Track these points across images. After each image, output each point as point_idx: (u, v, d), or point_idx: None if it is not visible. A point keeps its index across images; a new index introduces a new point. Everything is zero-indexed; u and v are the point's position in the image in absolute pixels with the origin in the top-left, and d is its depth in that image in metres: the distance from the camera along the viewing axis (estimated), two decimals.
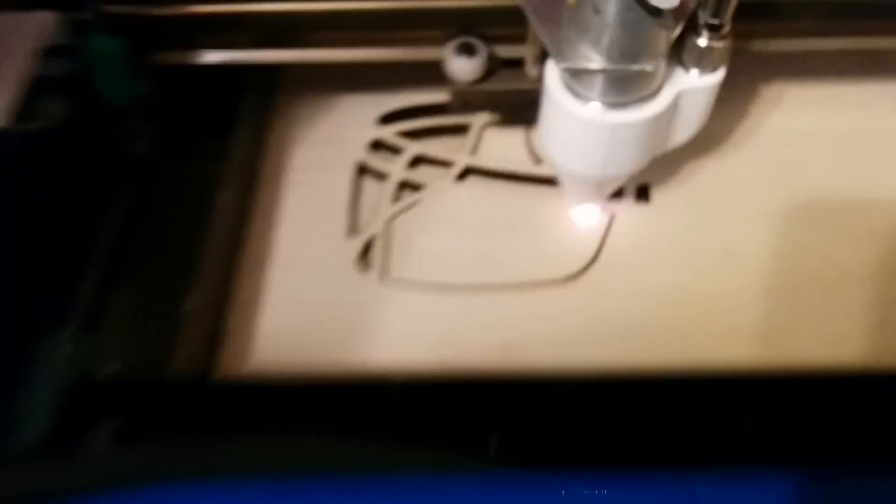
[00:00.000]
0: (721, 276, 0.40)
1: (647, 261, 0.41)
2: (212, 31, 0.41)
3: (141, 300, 0.35)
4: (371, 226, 0.43)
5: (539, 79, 0.34)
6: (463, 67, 0.39)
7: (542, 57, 0.33)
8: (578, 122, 0.33)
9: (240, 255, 0.42)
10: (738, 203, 0.42)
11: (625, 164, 0.36)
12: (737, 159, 0.44)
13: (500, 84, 0.40)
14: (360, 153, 0.43)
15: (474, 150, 0.45)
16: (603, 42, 0.29)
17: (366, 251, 0.42)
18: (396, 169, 0.44)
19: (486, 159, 0.43)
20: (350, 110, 0.46)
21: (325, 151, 0.45)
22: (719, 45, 0.31)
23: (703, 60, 0.32)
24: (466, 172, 0.43)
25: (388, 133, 0.44)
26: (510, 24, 0.35)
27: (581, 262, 0.41)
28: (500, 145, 0.44)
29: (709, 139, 0.43)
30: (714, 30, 0.31)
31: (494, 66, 0.39)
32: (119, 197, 0.39)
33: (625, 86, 0.31)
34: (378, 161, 0.43)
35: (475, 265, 0.41)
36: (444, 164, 0.43)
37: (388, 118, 0.44)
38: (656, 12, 0.28)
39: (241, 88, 0.43)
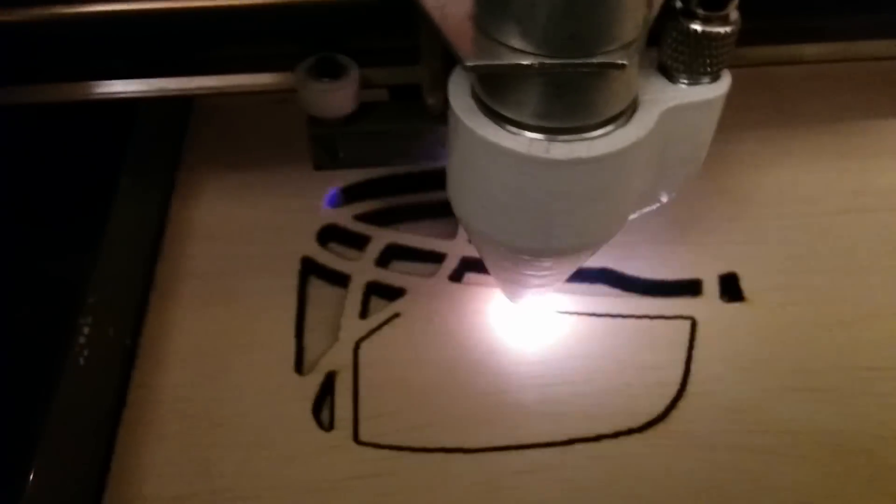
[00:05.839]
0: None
1: (761, 391, 0.27)
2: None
3: None
4: (329, 356, 0.28)
5: (441, 110, 0.23)
6: (324, 97, 0.25)
7: (443, 77, 0.22)
8: (503, 161, 0.20)
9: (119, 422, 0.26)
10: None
11: (584, 231, 0.22)
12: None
13: (379, 122, 0.26)
14: (305, 245, 0.31)
15: None
16: (540, 16, 0.17)
17: (322, 397, 0.27)
18: (361, 267, 0.30)
19: None
20: (285, 187, 0.33)
21: (250, 247, 0.31)
22: (723, 30, 0.20)
23: (700, 60, 0.21)
24: (463, 268, 0.31)
25: (344, 217, 0.32)
26: (391, 33, 0.25)
27: (660, 400, 0.27)
28: None
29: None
30: (714, 6, 0.20)
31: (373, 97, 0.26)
32: None
33: (578, 97, 0.19)
34: (332, 257, 0.31)
35: (491, 411, 0.27)
36: (431, 257, 0.31)
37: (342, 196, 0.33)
38: None
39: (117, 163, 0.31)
